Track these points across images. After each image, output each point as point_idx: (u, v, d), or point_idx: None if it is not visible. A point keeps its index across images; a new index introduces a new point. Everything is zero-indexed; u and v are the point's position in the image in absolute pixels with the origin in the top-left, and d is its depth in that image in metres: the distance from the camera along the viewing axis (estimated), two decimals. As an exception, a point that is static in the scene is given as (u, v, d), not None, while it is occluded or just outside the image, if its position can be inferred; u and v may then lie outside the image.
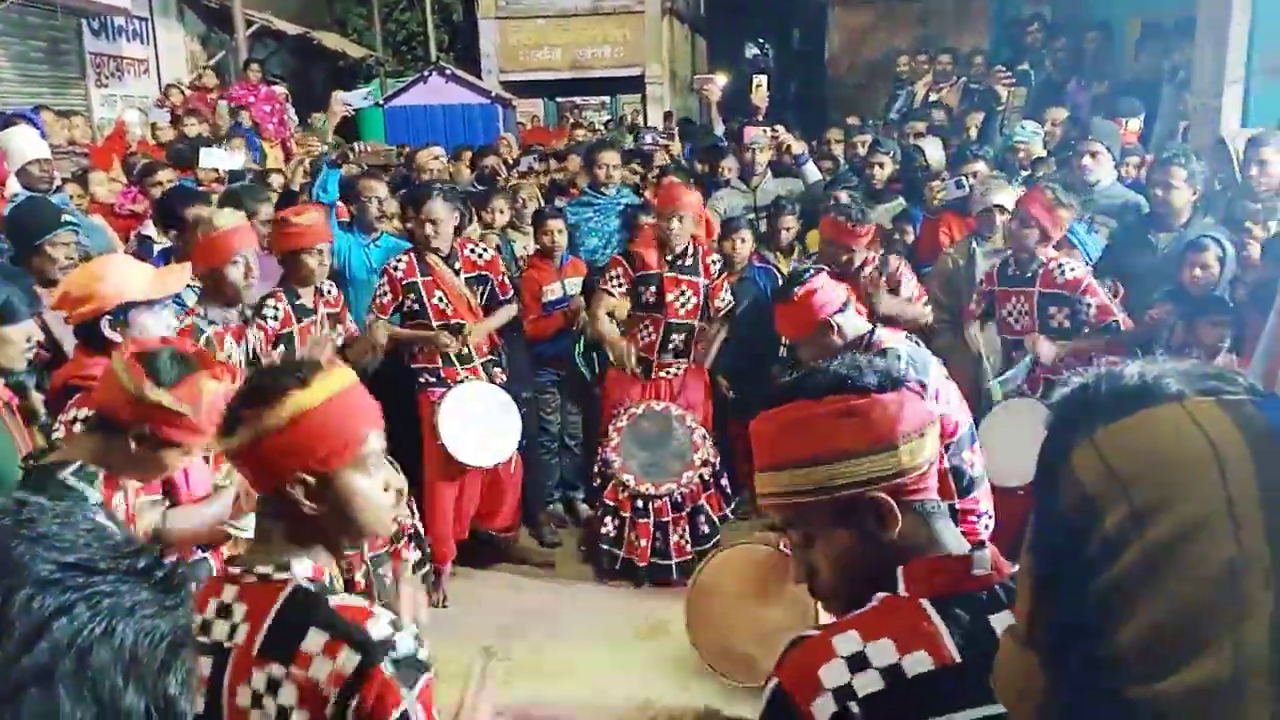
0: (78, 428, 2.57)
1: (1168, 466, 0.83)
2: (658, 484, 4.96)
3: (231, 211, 3.95)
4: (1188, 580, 0.80)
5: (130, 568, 0.71)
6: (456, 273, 4.87)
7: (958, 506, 3.12)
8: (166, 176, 5.91)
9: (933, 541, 1.39)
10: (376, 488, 1.66)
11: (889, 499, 1.36)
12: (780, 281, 5.54)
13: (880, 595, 1.35)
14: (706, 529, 5.06)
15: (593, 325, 5.19)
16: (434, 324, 4.79)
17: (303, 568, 1.60)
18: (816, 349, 3.20)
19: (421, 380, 4.87)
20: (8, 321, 2.53)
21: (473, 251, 5.00)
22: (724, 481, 5.21)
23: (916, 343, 3.27)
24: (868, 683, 1.26)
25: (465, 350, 4.84)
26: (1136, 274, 4.81)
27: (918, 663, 1.27)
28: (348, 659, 1.48)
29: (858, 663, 1.28)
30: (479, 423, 4.76)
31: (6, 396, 2.76)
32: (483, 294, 4.96)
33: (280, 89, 11.53)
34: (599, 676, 3.96)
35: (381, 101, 13.05)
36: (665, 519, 5.01)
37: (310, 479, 1.59)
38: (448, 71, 13.73)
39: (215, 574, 1.69)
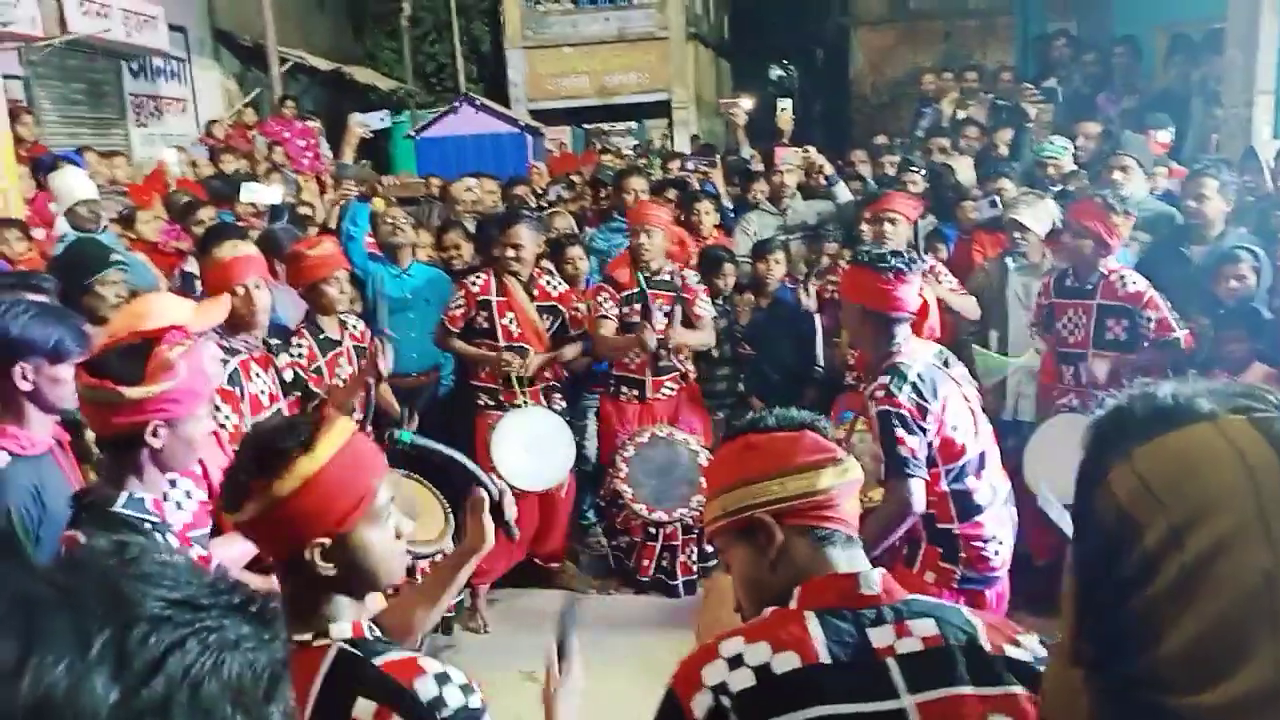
0: None
1: (1201, 482, 0.86)
2: (669, 511, 4.99)
3: (235, 242, 3.91)
4: (1226, 593, 0.82)
5: (229, 603, 0.74)
6: (532, 298, 4.96)
7: (956, 531, 3.05)
8: (208, 214, 6.01)
9: (820, 563, 1.54)
10: (389, 538, 1.62)
11: (769, 519, 1.55)
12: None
13: (771, 609, 1.51)
14: (711, 548, 5.12)
15: (601, 347, 5.18)
16: (501, 344, 4.86)
17: (341, 629, 1.55)
18: (851, 329, 3.26)
19: (480, 403, 4.94)
20: (59, 361, 2.58)
21: (548, 283, 5.08)
22: None
23: (945, 361, 3.17)
24: (741, 679, 1.41)
25: (527, 374, 4.88)
26: (1171, 287, 4.79)
27: (785, 662, 1.41)
28: None
29: (735, 663, 1.43)
30: (533, 448, 4.79)
31: (58, 434, 2.82)
32: (552, 325, 5.02)
33: (314, 124, 11.73)
34: (641, 700, 3.99)
35: (413, 133, 13.23)
36: (675, 542, 5.11)
37: (326, 542, 1.55)
38: (477, 102, 13.90)
39: None
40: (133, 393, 2.11)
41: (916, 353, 3.07)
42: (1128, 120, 6.95)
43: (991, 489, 3.09)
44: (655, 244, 5.09)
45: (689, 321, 5.13)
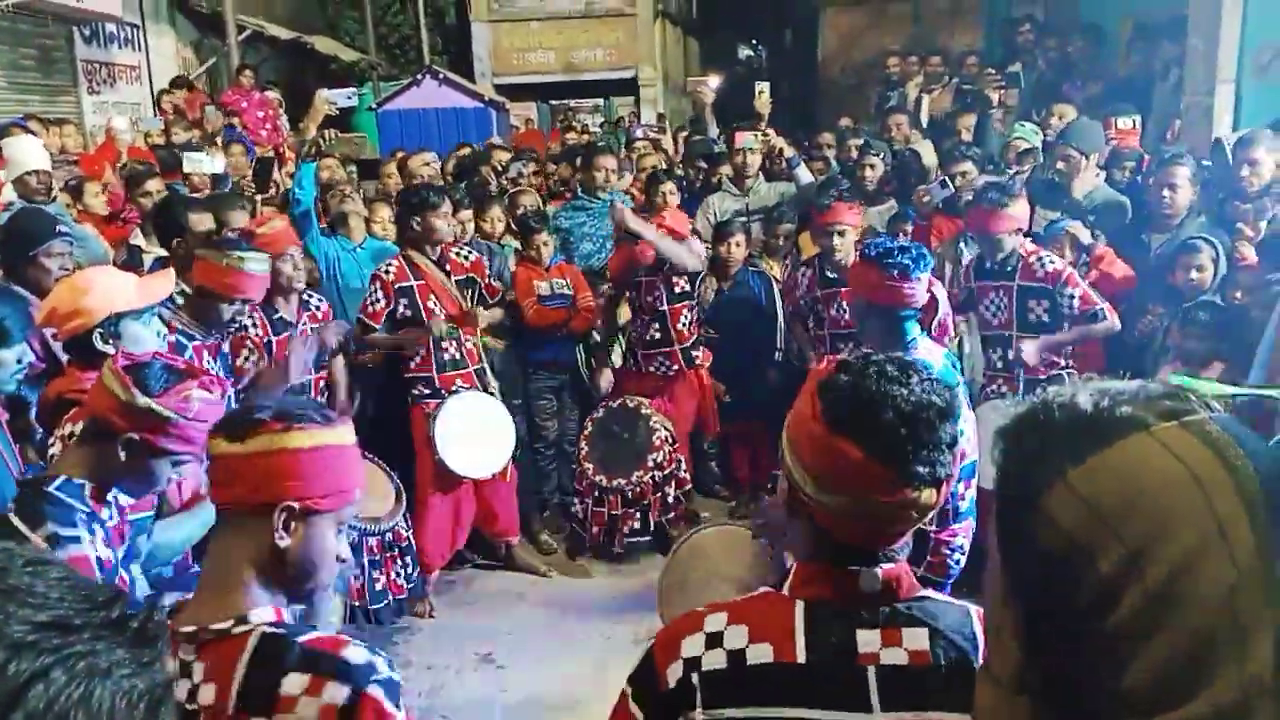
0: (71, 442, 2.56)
1: (1152, 502, 0.83)
2: (610, 476, 5.17)
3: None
4: (1192, 613, 0.80)
5: (105, 621, 0.68)
6: (447, 275, 4.86)
7: (932, 533, 2.99)
8: (155, 185, 5.88)
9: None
10: (336, 548, 1.63)
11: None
12: (771, 287, 5.60)
13: (765, 589, 1.46)
14: (679, 499, 5.38)
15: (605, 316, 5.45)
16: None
17: (262, 614, 1.54)
18: (859, 324, 3.23)
19: (415, 392, 4.85)
20: (2, 345, 2.50)
21: (459, 254, 4.99)
22: (669, 488, 5.32)
23: (953, 364, 3.11)
24: (713, 660, 1.40)
25: (458, 355, 4.82)
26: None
27: (760, 653, 1.38)
28: (336, 691, 1.45)
29: (714, 641, 1.41)
30: (473, 434, 4.75)
31: (-1, 414, 2.74)
32: (472, 296, 4.95)
33: (273, 94, 11.50)
34: (598, 682, 3.97)
35: (374, 106, 13.03)
36: (615, 512, 5.20)
37: (296, 507, 1.55)
38: (441, 75, 13.70)
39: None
40: (143, 401, 2.13)
41: (932, 353, 3.04)
42: (1091, 106, 6.97)
43: (972, 498, 3.06)
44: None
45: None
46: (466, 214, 5.52)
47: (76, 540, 2.09)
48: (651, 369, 5.38)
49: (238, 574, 1.56)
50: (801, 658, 1.37)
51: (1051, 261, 4.45)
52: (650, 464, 5.16)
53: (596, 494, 5.25)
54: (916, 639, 1.37)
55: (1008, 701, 0.92)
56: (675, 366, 5.37)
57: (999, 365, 4.59)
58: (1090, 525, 0.84)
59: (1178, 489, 0.82)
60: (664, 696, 1.42)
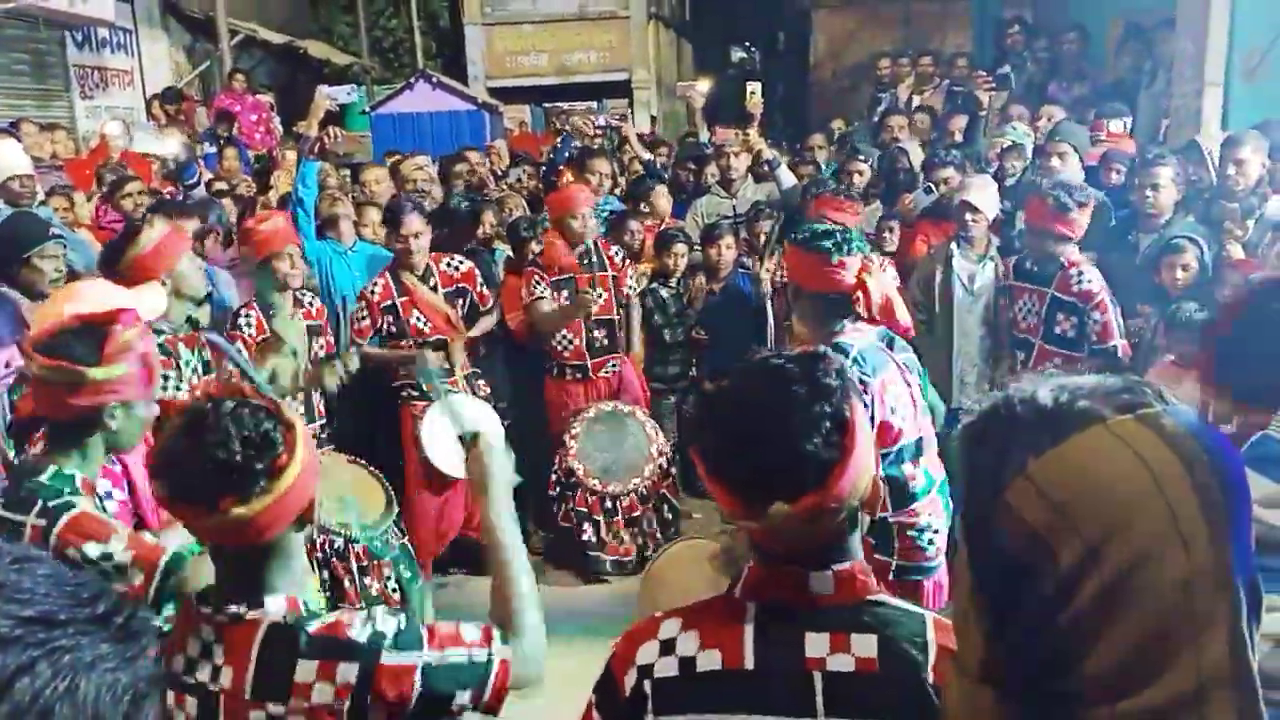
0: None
1: (1110, 495, 0.84)
2: (623, 483, 5.08)
3: (160, 223, 3.82)
4: (1147, 605, 0.81)
5: (90, 616, 0.70)
6: (434, 289, 4.87)
7: (890, 519, 3.01)
8: (136, 188, 5.88)
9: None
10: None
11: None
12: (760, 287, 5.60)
13: (718, 594, 1.45)
14: (670, 515, 5.24)
15: (543, 322, 5.20)
16: (414, 343, 4.78)
17: (276, 602, 1.60)
18: (794, 308, 3.20)
19: (404, 394, 4.86)
20: None
21: (449, 265, 4.99)
22: (673, 470, 5.29)
23: (890, 343, 3.13)
24: (665, 667, 1.40)
25: (448, 365, 4.83)
26: (1117, 275, 4.83)
27: (709, 660, 1.38)
28: (347, 670, 1.53)
29: (667, 648, 1.41)
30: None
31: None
32: (463, 306, 4.96)
33: (266, 98, 11.53)
34: (588, 677, 3.97)
35: (368, 109, 13.03)
36: (635, 513, 5.12)
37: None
38: (434, 79, 13.70)
39: (189, 611, 1.66)
40: (95, 373, 2.12)
41: (859, 332, 3.04)
42: (1078, 108, 6.99)
43: (927, 476, 3.07)
44: (588, 226, 5.19)
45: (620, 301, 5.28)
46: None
47: (71, 506, 2.09)
48: (601, 375, 5.34)
49: (244, 569, 1.61)
50: (750, 663, 1.37)
51: (1090, 280, 4.39)
52: (654, 454, 5.13)
53: (609, 505, 5.13)
54: (865, 646, 1.34)
55: (973, 691, 0.94)
56: (615, 357, 5.35)
57: (1021, 367, 4.53)
58: (1050, 518, 0.85)
59: (1133, 481, 0.84)
60: (622, 705, 1.43)
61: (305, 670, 1.53)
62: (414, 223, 4.75)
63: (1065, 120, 6.00)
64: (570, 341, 5.26)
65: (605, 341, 5.28)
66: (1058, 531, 0.85)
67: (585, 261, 5.21)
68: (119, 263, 3.28)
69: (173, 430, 1.60)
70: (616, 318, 5.28)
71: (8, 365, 2.59)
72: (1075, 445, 0.87)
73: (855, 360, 2.94)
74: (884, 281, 3.07)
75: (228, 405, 1.58)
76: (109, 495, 2.42)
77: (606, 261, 5.26)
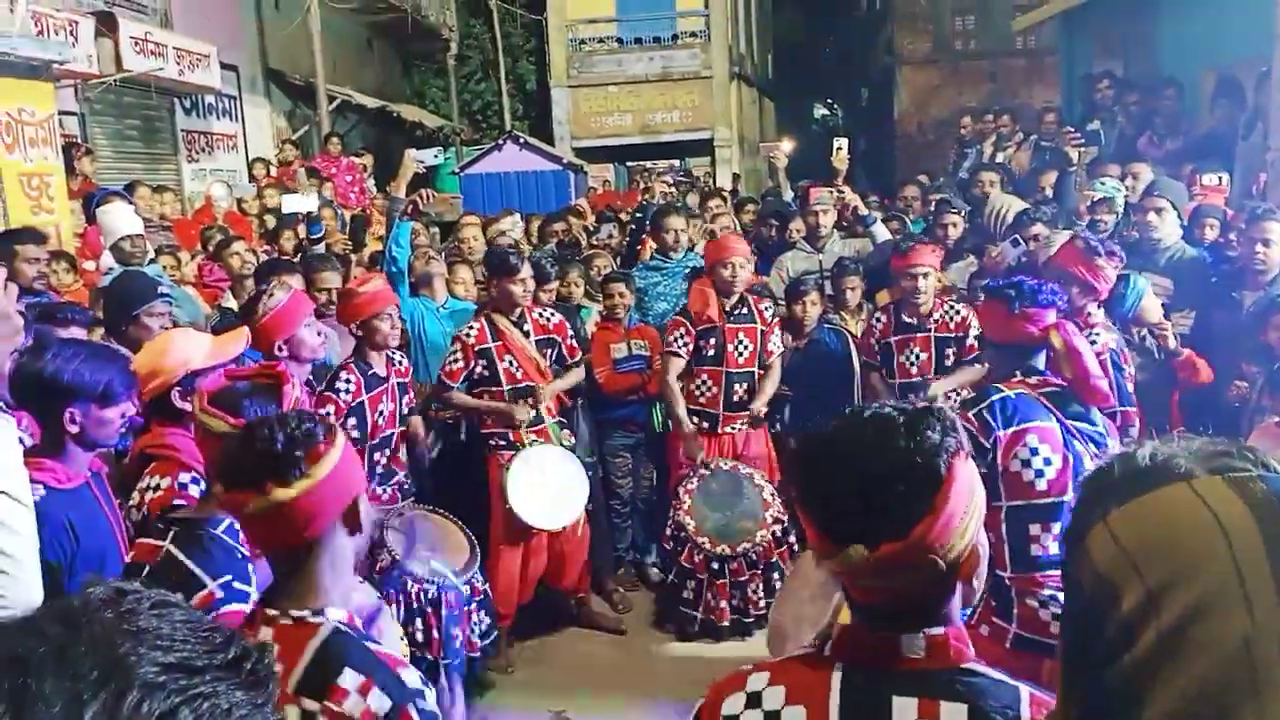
0: (149, 495, 2.67)
1: (1176, 546, 0.85)
2: (733, 545, 4.92)
3: (283, 285, 4.03)
4: (1205, 658, 0.81)
5: (223, 662, 0.72)
6: (526, 335, 4.97)
7: (1006, 579, 2.95)
8: (241, 247, 6.13)
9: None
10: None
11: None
12: (848, 344, 5.56)
13: (806, 648, 1.46)
14: (780, 584, 5.02)
15: (662, 388, 5.23)
16: (505, 388, 4.85)
17: (338, 613, 1.72)
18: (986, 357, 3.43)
19: (491, 443, 4.94)
20: (108, 405, 2.63)
21: (541, 315, 5.08)
22: (792, 537, 5.15)
23: (1062, 401, 3.06)
24: None
25: (535, 413, 4.90)
26: (1224, 333, 4.69)
27: (793, 716, 1.38)
28: (380, 700, 1.61)
29: (753, 701, 1.42)
30: (547, 486, 4.79)
31: (96, 465, 2.86)
32: (552, 356, 5.04)
33: (360, 160, 11.94)
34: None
35: (457, 170, 13.41)
36: (742, 578, 4.98)
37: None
38: (521, 139, 14.07)
39: (250, 613, 1.81)
40: None
41: (1024, 385, 3.03)
42: (1171, 163, 6.85)
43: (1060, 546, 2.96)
44: (741, 276, 5.18)
45: (764, 359, 5.27)
46: (554, 285, 5.59)
47: (245, 597, 2.18)
48: (728, 430, 5.26)
49: (308, 577, 1.75)
50: None
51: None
52: (768, 520, 4.95)
53: (716, 566, 4.99)
54: (954, 714, 1.32)
55: None
56: (746, 415, 5.28)
57: None
58: (1118, 563, 0.87)
59: (1201, 535, 0.84)
60: None
61: (350, 678, 1.62)
62: (524, 270, 4.88)
63: (1164, 177, 5.88)
64: (709, 389, 5.22)
65: (744, 396, 5.22)
66: (1122, 576, 0.86)
67: (735, 314, 5.22)
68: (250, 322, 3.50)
69: (232, 436, 1.80)
70: (758, 373, 5.25)
71: (123, 417, 2.70)
72: (1155, 498, 0.88)
73: (991, 406, 2.92)
74: (1084, 346, 3.07)
75: (279, 413, 1.80)
76: None
77: (756, 315, 5.26)
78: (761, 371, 5.26)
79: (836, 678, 1.38)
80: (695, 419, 5.22)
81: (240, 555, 2.26)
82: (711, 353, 5.17)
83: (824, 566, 1.40)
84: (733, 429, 5.23)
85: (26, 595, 1.60)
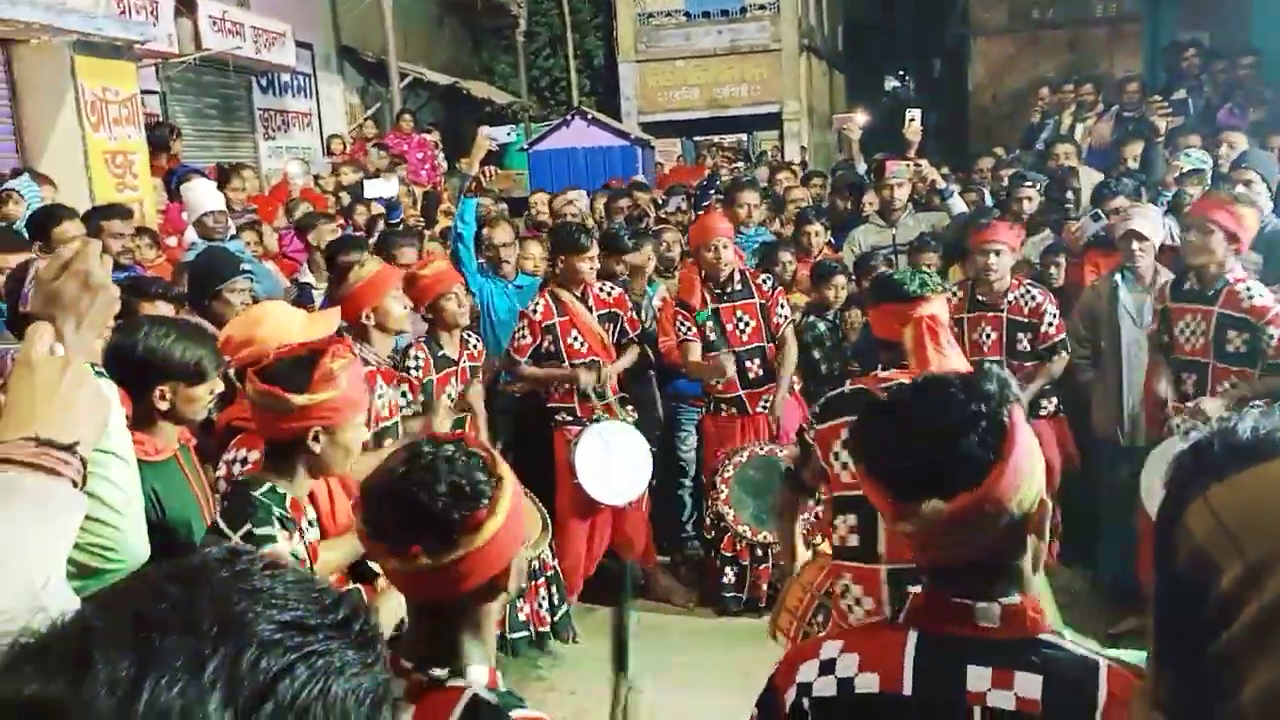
0: (236, 468, 2.75)
1: (1277, 520, 0.83)
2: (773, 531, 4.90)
3: (373, 258, 4.12)
4: None
5: (334, 622, 0.74)
6: (590, 310, 4.99)
7: None
8: (329, 227, 6.25)
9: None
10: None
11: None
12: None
13: (881, 618, 1.51)
14: None
15: (691, 369, 5.16)
16: (569, 363, 4.90)
17: (479, 673, 1.53)
18: None
19: (558, 418, 4.98)
20: (199, 383, 2.70)
21: (601, 290, 5.10)
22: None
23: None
24: (824, 686, 1.42)
25: (600, 387, 4.92)
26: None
27: (868, 682, 1.39)
28: None
29: (826, 668, 1.43)
30: (613, 461, 4.83)
31: (185, 439, 2.94)
32: (613, 331, 5.06)
33: (431, 136, 12.05)
34: (740, 715, 3.95)
35: (526, 146, 13.48)
36: (782, 562, 4.96)
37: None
38: (589, 115, 14.06)
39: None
40: (299, 399, 2.30)
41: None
42: (1255, 134, 6.60)
43: None
44: (726, 257, 5.06)
45: (771, 331, 5.12)
46: (639, 256, 5.59)
47: (272, 539, 2.26)
48: (759, 409, 5.16)
49: (448, 635, 1.54)
50: (908, 689, 1.37)
51: (1261, 295, 4.16)
52: (809, 504, 4.96)
53: (759, 552, 5.02)
54: (1029, 685, 1.32)
55: (1146, 716, 0.93)
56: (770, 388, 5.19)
57: (1192, 390, 4.31)
58: (1218, 539, 0.84)
59: None
60: None
61: None
62: (593, 248, 4.91)
63: (1255, 149, 5.68)
64: (721, 380, 5.15)
65: (760, 372, 5.13)
66: (1222, 552, 0.83)
67: (727, 292, 5.13)
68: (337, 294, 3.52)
69: (388, 465, 1.56)
70: (768, 346, 5.18)
71: (211, 393, 2.77)
72: (1257, 473, 0.86)
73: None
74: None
75: (447, 449, 1.53)
76: (311, 525, 2.54)
77: (754, 289, 5.16)
78: (772, 345, 5.15)
79: (910, 646, 1.40)
80: (723, 407, 5.17)
81: (276, 512, 2.32)
82: (713, 336, 5.08)
83: (899, 530, 1.42)
84: (764, 407, 5.15)
85: (134, 550, 1.66)
